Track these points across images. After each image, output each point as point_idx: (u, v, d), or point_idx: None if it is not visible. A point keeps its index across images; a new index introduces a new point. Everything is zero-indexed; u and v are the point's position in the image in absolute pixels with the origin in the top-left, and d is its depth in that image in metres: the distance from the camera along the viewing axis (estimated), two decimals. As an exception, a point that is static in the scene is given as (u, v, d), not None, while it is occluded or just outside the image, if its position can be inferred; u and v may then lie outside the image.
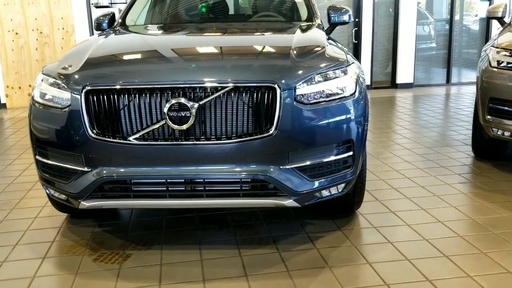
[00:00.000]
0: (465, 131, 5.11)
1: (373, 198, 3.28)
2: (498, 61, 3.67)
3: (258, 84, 2.31)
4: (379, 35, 8.68)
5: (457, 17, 9.06)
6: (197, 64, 2.57)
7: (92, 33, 7.57)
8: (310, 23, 3.58)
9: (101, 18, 3.83)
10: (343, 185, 2.54)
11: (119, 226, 2.96)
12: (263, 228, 2.86)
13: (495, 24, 8.61)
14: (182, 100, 2.27)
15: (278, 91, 2.31)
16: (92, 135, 2.34)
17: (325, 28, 3.71)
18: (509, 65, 3.58)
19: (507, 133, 3.57)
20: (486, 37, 8.90)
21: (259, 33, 3.43)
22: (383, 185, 3.55)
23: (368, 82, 8.64)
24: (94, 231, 2.88)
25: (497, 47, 3.75)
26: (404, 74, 8.66)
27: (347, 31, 8.56)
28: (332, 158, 2.45)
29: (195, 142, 2.31)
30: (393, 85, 8.71)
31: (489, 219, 2.90)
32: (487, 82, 3.74)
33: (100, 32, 3.62)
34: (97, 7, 7.74)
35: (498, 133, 3.64)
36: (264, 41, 3.11)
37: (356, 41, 8.55)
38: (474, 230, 2.78)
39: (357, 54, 8.55)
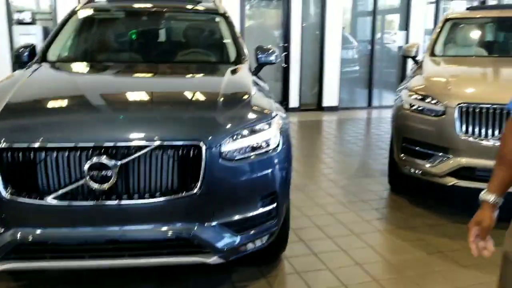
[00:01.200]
0: (384, 160, 5.41)
1: (297, 238, 3.40)
2: (410, 104, 3.96)
3: (184, 143, 2.33)
4: (307, 59, 9.01)
5: (378, 39, 9.61)
6: (120, 119, 2.52)
7: (12, 51, 7.16)
8: (239, 65, 3.64)
9: (21, 50, 3.66)
10: (267, 236, 2.62)
11: (38, 281, 2.82)
12: (189, 279, 2.86)
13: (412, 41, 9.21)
14: (104, 158, 2.23)
15: (204, 148, 2.33)
16: (6, 195, 2.23)
17: (253, 68, 3.79)
18: (420, 109, 3.86)
19: (418, 172, 3.85)
20: (404, 60, 9.46)
21: (187, 78, 3.45)
22: (306, 222, 3.69)
23: (296, 104, 8.93)
24: (9, 286, 2.73)
25: (409, 90, 4.04)
26: (330, 97, 9.04)
27: (276, 55, 8.78)
28: (257, 212, 2.52)
29: (117, 201, 2.27)
30: (320, 107, 9.06)
31: (402, 260, 3.11)
32: (401, 123, 4.02)
33: (23, 68, 3.42)
34: (19, 23, 7.35)
35: (411, 171, 3.92)
36: (192, 88, 3.11)
37: (286, 65, 8.81)
38: (389, 273, 2.97)
39: (286, 78, 8.81)
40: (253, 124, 2.54)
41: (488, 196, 1.55)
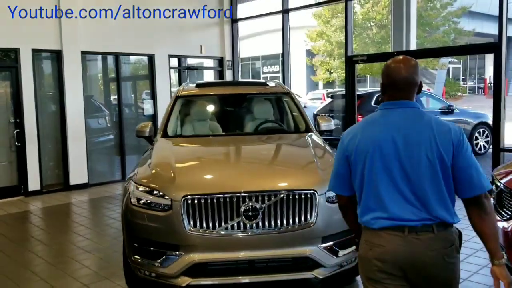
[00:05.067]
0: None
1: None
2: (138, 198, 3.58)
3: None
4: (46, 134, 8.02)
5: (128, 105, 9.32)
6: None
7: None
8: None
9: None
10: None
11: None
12: None
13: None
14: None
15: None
16: None
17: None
18: (148, 203, 3.50)
19: (152, 274, 3.45)
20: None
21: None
22: None
23: (37, 187, 7.77)
24: None
25: (136, 182, 3.66)
26: (78, 174, 8.20)
27: (7, 133, 7.56)
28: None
29: None
30: (67, 187, 8.09)
31: None
32: (130, 220, 3.59)
33: None
34: None
35: (145, 273, 3.49)
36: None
37: (20, 143, 7.62)
38: None
39: (22, 157, 7.62)
40: None
41: None
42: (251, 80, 15.79)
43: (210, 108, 5.43)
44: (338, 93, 12.34)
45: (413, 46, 12.92)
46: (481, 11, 24.01)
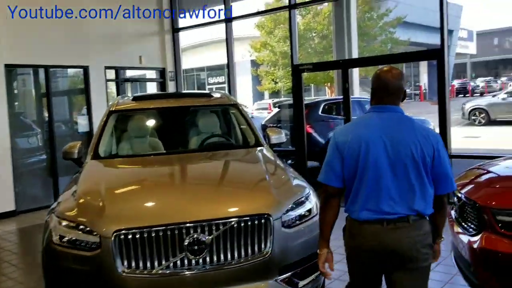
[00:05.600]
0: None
1: None
2: (60, 235, 2.99)
3: None
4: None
5: (63, 121, 8.56)
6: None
7: None
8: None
9: None
10: None
11: None
12: None
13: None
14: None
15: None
16: None
17: None
18: (73, 240, 2.92)
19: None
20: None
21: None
22: None
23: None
24: None
25: (58, 216, 3.08)
26: (2, 201, 7.31)
27: None
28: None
29: None
30: (-10, 216, 7.20)
31: None
32: (51, 263, 3.00)
33: None
34: None
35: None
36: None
37: None
38: None
39: None
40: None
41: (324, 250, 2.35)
42: (194, 91, 15.27)
43: (149, 123, 4.88)
44: (285, 103, 12.11)
45: (355, 55, 13.03)
46: (415, 22, 24.96)
